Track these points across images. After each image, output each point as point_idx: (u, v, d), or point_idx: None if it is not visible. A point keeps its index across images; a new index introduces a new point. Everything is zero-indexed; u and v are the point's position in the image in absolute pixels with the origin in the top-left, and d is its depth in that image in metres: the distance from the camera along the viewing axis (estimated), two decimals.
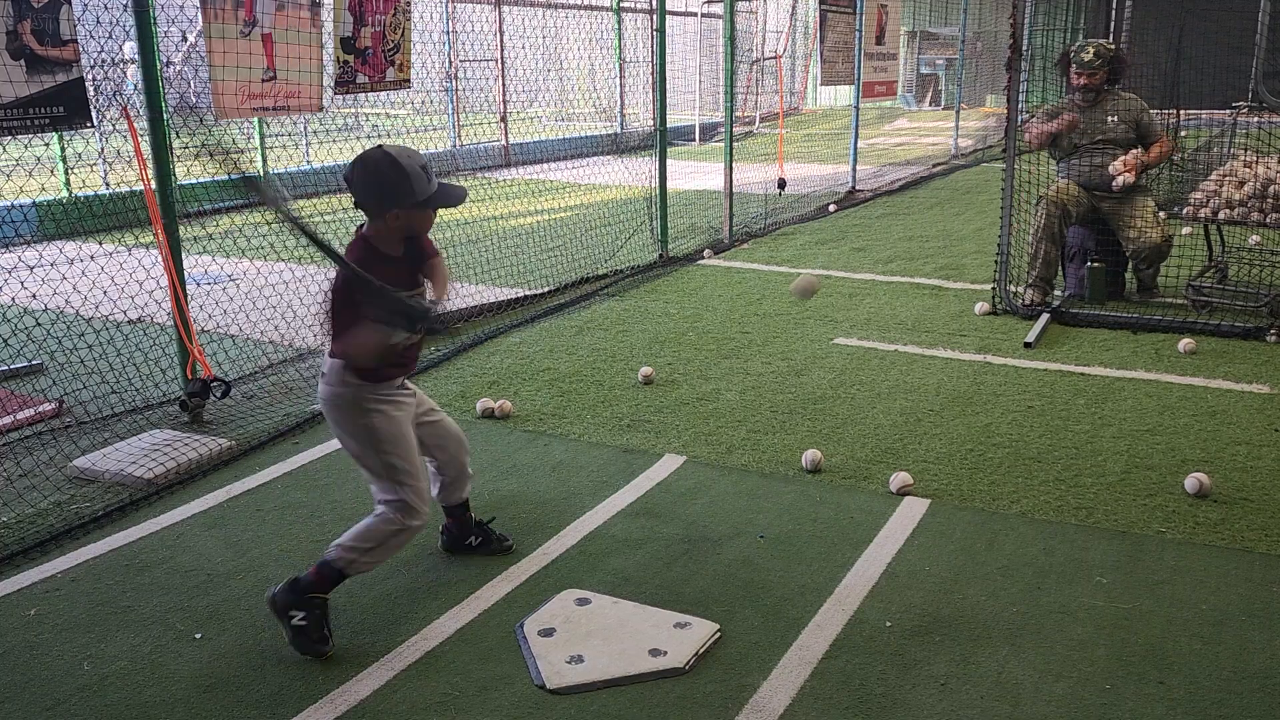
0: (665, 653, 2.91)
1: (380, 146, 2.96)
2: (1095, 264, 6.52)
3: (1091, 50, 6.48)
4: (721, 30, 11.24)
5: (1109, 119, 6.44)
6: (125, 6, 4.50)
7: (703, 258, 8.23)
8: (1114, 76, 6.50)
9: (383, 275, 2.83)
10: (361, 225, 3.05)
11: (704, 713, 2.70)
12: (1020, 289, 6.54)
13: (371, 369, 3.00)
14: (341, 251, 2.87)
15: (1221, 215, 6.27)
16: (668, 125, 8.24)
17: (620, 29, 16.17)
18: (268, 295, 6.37)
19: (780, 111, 12.06)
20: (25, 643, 3.05)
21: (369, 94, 6.18)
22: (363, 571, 3.07)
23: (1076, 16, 15.76)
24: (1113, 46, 6.58)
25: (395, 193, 2.91)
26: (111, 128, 9.35)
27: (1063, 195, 6.43)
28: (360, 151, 2.98)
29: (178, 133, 4.62)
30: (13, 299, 6.59)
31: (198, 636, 3.07)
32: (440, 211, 3.07)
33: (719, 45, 17.44)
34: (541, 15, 14.33)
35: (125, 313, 6.15)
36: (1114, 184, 6.27)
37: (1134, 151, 6.31)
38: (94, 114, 4.61)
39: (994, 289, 6.48)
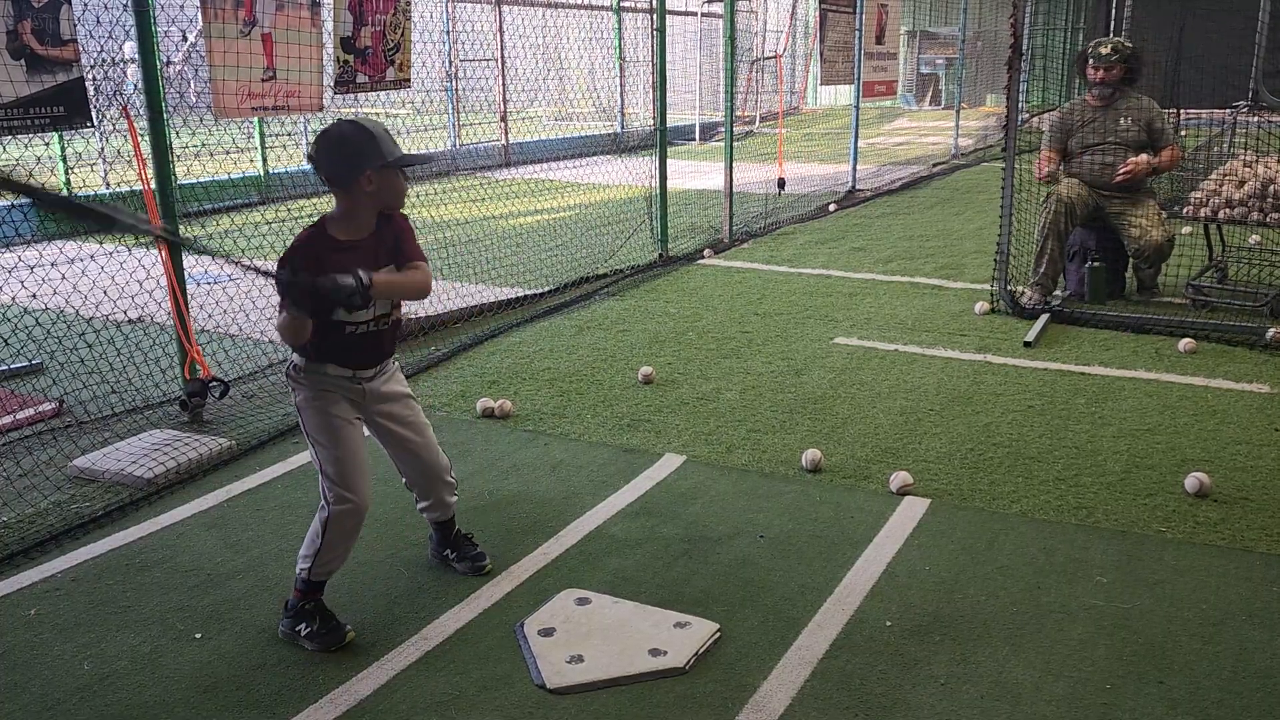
0: (665, 652, 2.91)
1: (338, 120, 2.98)
2: (1095, 264, 6.52)
3: (1109, 45, 6.45)
4: (721, 30, 11.24)
5: (1122, 120, 6.41)
6: (125, 6, 4.50)
7: (703, 257, 8.23)
8: (1131, 76, 6.46)
9: (339, 265, 2.80)
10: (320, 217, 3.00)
11: (704, 712, 2.70)
12: (1022, 288, 6.53)
13: (308, 349, 3.01)
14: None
15: (1221, 215, 6.27)
16: (668, 125, 8.24)
17: (620, 28, 16.17)
18: (267, 295, 6.35)
19: (780, 111, 12.04)
20: (25, 642, 3.05)
21: (369, 94, 6.17)
22: (332, 569, 3.05)
23: (1077, 16, 15.77)
24: (1131, 45, 6.51)
25: (365, 153, 2.88)
26: (111, 127, 9.35)
27: (1071, 193, 6.42)
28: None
29: (178, 133, 4.62)
30: (13, 298, 6.59)
31: (198, 636, 3.07)
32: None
33: (719, 45, 17.44)
34: (541, 15, 14.33)
35: (125, 312, 6.15)
36: (1116, 177, 6.28)
37: (1144, 156, 6.29)
38: (94, 114, 4.61)
39: (993, 288, 6.48)
